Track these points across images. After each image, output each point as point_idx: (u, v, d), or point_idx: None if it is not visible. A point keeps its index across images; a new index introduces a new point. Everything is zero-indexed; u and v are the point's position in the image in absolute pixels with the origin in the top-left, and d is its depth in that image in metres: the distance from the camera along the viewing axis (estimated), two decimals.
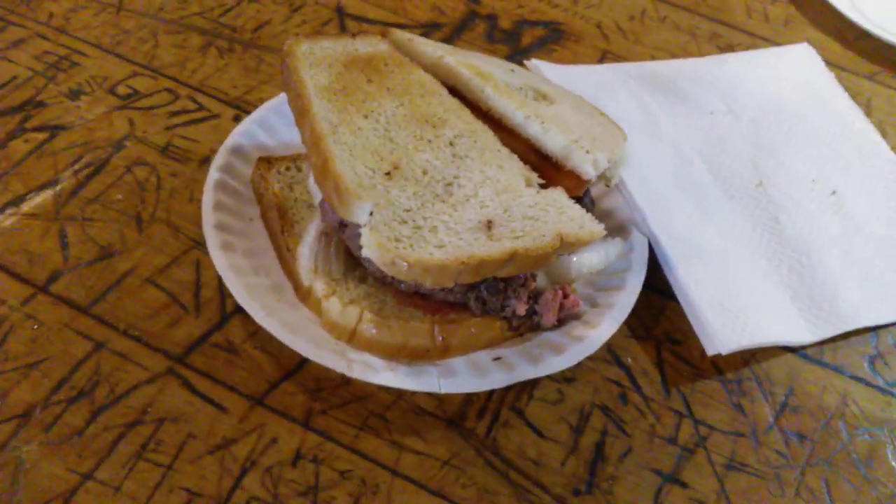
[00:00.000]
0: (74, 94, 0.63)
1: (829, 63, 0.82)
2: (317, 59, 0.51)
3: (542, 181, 0.49)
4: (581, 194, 0.52)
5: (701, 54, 0.79)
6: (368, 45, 0.54)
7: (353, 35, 0.54)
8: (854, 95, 0.78)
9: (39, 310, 0.49)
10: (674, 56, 0.78)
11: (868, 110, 0.78)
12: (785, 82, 0.76)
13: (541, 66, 0.71)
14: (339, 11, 0.76)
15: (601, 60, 0.77)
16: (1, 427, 0.44)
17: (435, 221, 0.45)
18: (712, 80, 0.74)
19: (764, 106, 0.72)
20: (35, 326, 0.48)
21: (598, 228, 0.46)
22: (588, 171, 0.49)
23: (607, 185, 0.54)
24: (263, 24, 0.73)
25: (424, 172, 0.47)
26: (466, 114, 0.51)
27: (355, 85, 0.50)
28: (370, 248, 0.43)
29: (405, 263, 0.42)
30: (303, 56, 0.51)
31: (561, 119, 0.52)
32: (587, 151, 0.49)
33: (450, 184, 0.47)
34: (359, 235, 0.44)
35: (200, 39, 0.70)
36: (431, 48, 0.55)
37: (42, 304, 0.49)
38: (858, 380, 0.55)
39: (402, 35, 0.56)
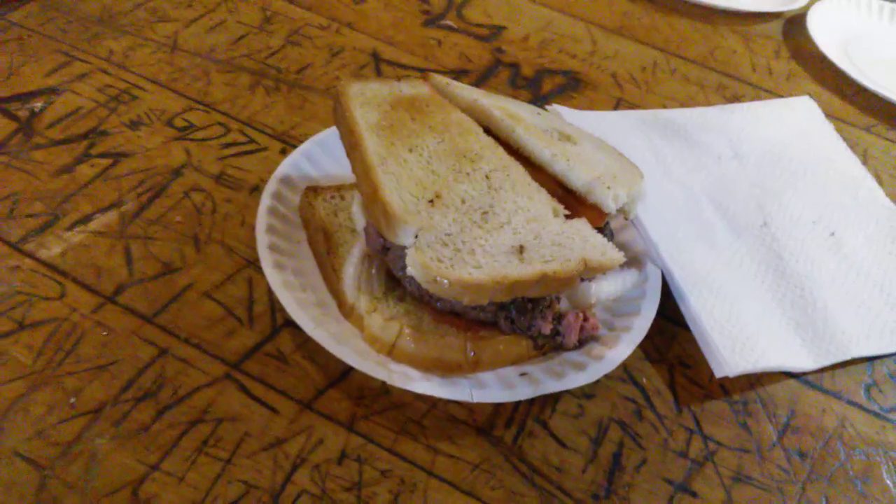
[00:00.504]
0: (135, 125, 0.69)
1: (829, 115, 0.88)
2: (366, 98, 0.57)
3: (567, 212, 0.54)
4: (602, 226, 0.57)
5: (708, 104, 0.85)
6: (411, 88, 0.60)
7: (398, 78, 0.60)
8: (852, 146, 0.84)
9: (108, 318, 0.54)
10: (683, 105, 0.84)
11: (864, 159, 0.83)
12: (788, 131, 0.82)
13: (561, 111, 0.77)
14: (375, 57, 0.82)
15: (616, 107, 0.83)
16: (76, 421, 0.48)
17: (473, 245, 0.50)
18: (720, 127, 0.79)
19: (768, 153, 0.78)
20: (105, 333, 0.53)
21: (619, 255, 0.51)
22: (609, 205, 0.55)
23: (626, 219, 0.59)
24: (306, 67, 0.79)
25: (463, 201, 0.52)
26: (500, 150, 0.56)
27: (401, 123, 0.56)
28: (415, 266, 0.48)
29: (446, 281, 0.47)
30: (354, 96, 0.56)
31: (584, 158, 0.57)
32: (608, 187, 0.55)
33: (486, 212, 0.52)
34: (402, 257, 0.49)
35: (249, 79, 0.76)
36: (467, 91, 0.61)
37: (111, 312, 0.54)
38: (855, 405, 0.59)
39: (440, 79, 0.62)
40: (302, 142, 0.66)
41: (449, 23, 0.89)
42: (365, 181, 0.52)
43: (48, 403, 0.49)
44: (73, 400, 0.49)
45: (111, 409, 0.49)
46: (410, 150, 0.54)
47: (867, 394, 0.60)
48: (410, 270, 0.48)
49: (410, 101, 0.58)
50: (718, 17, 1.00)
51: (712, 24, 0.99)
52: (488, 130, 0.58)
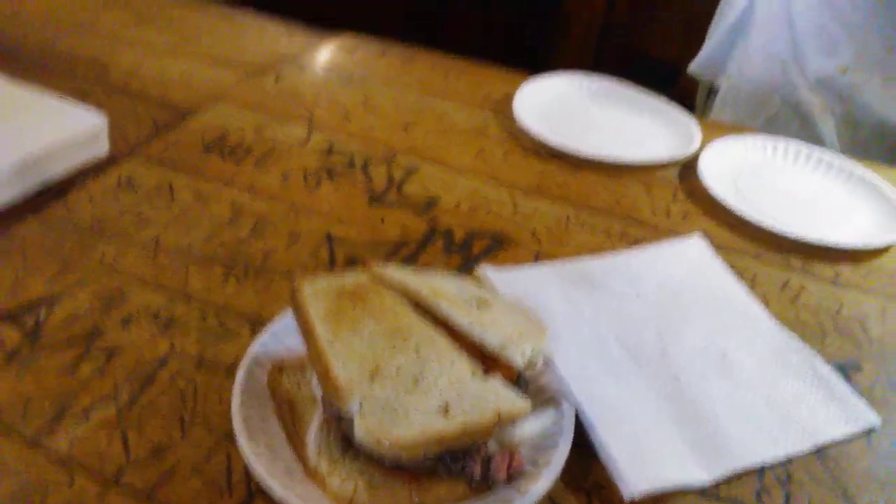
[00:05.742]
0: (125, 323, 0.81)
1: (721, 247, 1.03)
2: (316, 293, 0.70)
3: (484, 370, 0.66)
4: (516, 377, 0.69)
5: (614, 249, 1.00)
6: (353, 279, 0.73)
7: (343, 272, 0.74)
8: (742, 272, 0.98)
9: (111, 499, 0.64)
10: (592, 252, 0.99)
11: (753, 283, 0.98)
12: (682, 268, 0.96)
13: (488, 272, 0.91)
14: (328, 238, 0.97)
15: (535, 259, 0.97)
16: None
17: (407, 408, 0.62)
18: (623, 271, 0.94)
19: (665, 290, 0.92)
20: None
21: (526, 405, 0.63)
22: (517, 360, 0.67)
23: (532, 370, 0.71)
24: (270, 252, 0.93)
25: (398, 371, 0.64)
26: (427, 325, 0.69)
27: (345, 310, 0.69)
28: (360, 432, 0.60)
29: (387, 442, 0.59)
30: (306, 292, 0.70)
31: (496, 322, 0.70)
32: (516, 346, 0.67)
33: (417, 379, 0.64)
34: (352, 423, 0.61)
35: (222, 269, 0.90)
36: (400, 275, 0.74)
37: (113, 494, 0.64)
38: None
39: (378, 268, 0.75)
40: (269, 321, 0.79)
41: (390, 199, 1.05)
42: (317, 362, 0.64)
43: None
44: None
45: None
46: (353, 333, 0.67)
47: (758, 498, 0.71)
48: (357, 435, 0.60)
49: (352, 292, 0.71)
50: (624, 170, 1.17)
51: (618, 177, 1.16)
52: (418, 307, 0.72)
